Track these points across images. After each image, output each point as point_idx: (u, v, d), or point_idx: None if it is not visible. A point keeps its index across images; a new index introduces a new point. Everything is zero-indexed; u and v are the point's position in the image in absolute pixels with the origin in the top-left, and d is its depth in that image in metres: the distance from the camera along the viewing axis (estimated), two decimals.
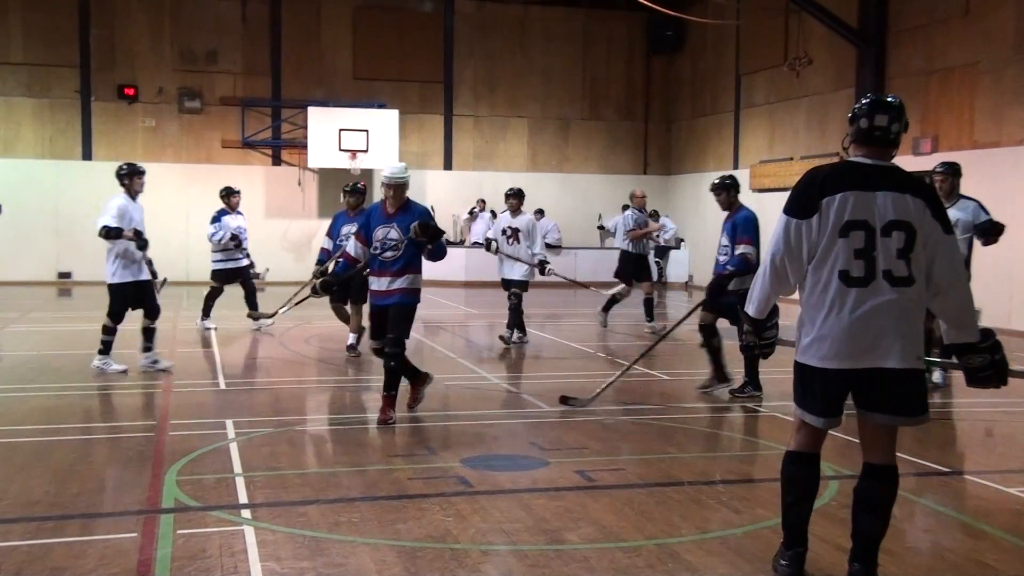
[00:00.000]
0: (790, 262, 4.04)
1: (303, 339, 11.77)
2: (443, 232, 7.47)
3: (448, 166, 23.71)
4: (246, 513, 5.18)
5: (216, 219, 13.09)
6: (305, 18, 22.58)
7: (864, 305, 3.92)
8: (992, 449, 7.50)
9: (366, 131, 21.40)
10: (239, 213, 13.25)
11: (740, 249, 8.36)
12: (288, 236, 22.45)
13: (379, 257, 7.40)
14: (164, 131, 21.90)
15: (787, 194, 4.15)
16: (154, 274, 9.74)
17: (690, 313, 8.85)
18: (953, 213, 8.82)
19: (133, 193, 9.45)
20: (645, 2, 18.28)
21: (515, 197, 12.07)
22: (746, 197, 22.19)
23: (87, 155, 21.48)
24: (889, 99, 4.11)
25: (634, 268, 13.75)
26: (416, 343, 12.89)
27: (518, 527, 4.96)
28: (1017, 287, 14.15)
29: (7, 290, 19.11)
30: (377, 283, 7.45)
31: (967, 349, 4.08)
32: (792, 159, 19.68)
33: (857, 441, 4.20)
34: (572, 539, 4.80)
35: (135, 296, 9.50)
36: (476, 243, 20.67)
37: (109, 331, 9.53)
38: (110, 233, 9.16)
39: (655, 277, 22.86)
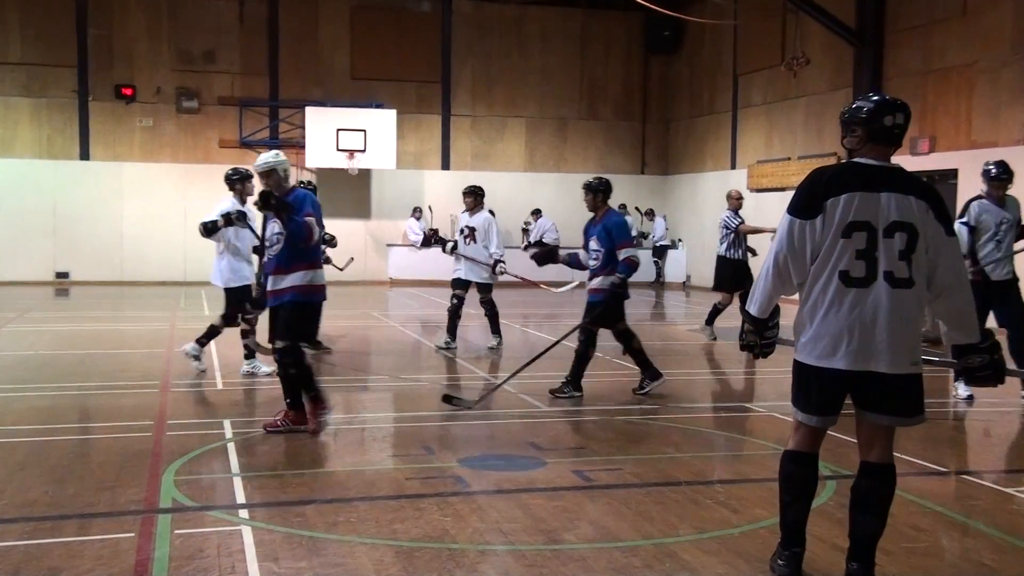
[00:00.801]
0: (793, 262, 4.05)
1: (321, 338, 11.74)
2: (287, 207, 6.78)
3: (446, 166, 23.71)
4: (244, 513, 5.18)
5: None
6: (303, 18, 22.56)
7: (862, 305, 3.92)
8: (990, 449, 7.51)
9: (364, 131, 21.38)
10: None
11: (624, 253, 8.35)
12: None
13: (269, 254, 7.07)
14: (162, 131, 21.88)
15: (784, 194, 4.17)
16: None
17: (576, 327, 8.71)
18: (1012, 213, 8.62)
19: (244, 197, 9.52)
20: (643, 2, 18.28)
21: (470, 195, 11.70)
22: (744, 197, 21.90)
23: (85, 155, 21.46)
24: (895, 98, 4.13)
25: (734, 275, 12.93)
26: (414, 343, 12.90)
27: (516, 527, 4.96)
28: None
29: (5, 290, 19.09)
30: (270, 282, 7.04)
31: (967, 350, 4.09)
32: (790, 159, 19.66)
33: (854, 440, 4.20)
34: (570, 539, 4.80)
35: (242, 298, 9.42)
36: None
37: (247, 334, 9.57)
38: (207, 226, 9.22)
39: (656, 278, 23.00)
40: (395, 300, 19.38)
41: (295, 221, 6.79)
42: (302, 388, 7.05)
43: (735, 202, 13.31)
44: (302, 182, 11.84)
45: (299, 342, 7.11)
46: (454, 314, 11.56)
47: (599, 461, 6.38)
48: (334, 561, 4.44)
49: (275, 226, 6.99)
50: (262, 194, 6.82)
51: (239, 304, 9.42)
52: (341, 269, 13.04)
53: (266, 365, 9.70)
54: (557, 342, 8.86)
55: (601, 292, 8.47)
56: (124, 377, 9.43)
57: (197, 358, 9.59)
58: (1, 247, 20.60)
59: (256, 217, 9.27)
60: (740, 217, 13.18)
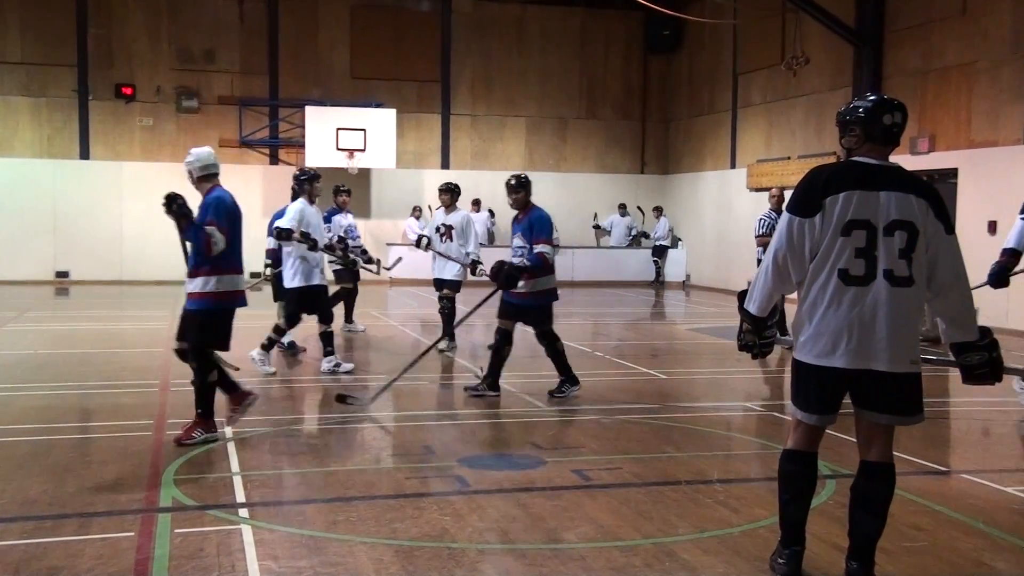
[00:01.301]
0: (792, 260, 4.05)
1: (300, 339, 11.75)
2: (187, 215, 6.66)
3: (445, 165, 23.70)
4: (243, 512, 5.18)
5: (327, 219, 13.01)
6: (302, 17, 22.55)
7: (861, 304, 3.93)
8: (989, 448, 7.51)
9: (363, 130, 21.36)
10: (348, 212, 13.16)
11: (539, 248, 8.28)
12: None
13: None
14: (161, 130, 21.86)
15: (783, 193, 4.17)
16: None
17: (480, 304, 8.52)
18: None
19: (312, 198, 9.68)
20: (643, 1, 18.27)
21: (446, 192, 11.43)
22: (743, 196, 21.81)
23: (84, 154, 21.45)
24: (892, 97, 4.15)
25: None
26: (413, 342, 12.89)
27: (515, 526, 4.96)
28: (1014, 286, 14.11)
29: (5, 289, 19.07)
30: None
31: (965, 347, 4.10)
32: (789, 158, 19.68)
33: (854, 439, 4.21)
34: (569, 538, 4.80)
35: (309, 301, 9.66)
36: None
37: (279, 331, 9.77)
38: (281, 234, 9.44)
39: (656, 277, 22.98)
40: (395, 299, 19.38)
41: (191, 230, 6.65)
42: (204, 400, 6.75)
43: (774, 200, 12.78)
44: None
45: (203, 348, 6.80)
46: (446, 316, 11.55)
47: (598, 460, 6.38)
48: (334, 560, 4.44)
49: None
50: (167, 197, 6.67)
51: (300, 305, 9.65)
52: (389, 269, 12.93)
53: (346, 363, 9.80)
54: (436, 343, 9.25)
55: (530, 296, 8.36)
56: (124, 376, 9.43)
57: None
58: (1, 246, 20.57)
59: (313, 217, 9.47)
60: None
